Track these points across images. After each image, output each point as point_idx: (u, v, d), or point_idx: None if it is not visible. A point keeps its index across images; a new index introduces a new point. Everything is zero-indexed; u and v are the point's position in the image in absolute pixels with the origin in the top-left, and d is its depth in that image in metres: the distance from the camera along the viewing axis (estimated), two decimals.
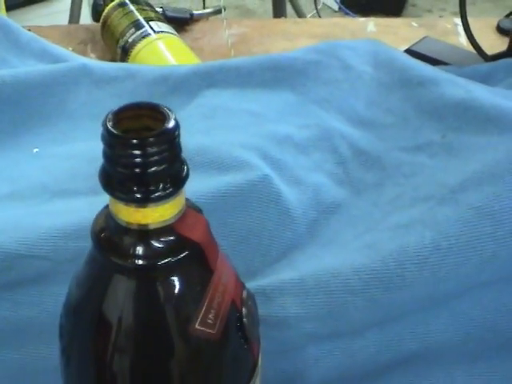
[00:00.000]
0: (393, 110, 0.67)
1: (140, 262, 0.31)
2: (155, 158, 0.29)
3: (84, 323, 0.33)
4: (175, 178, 0.30)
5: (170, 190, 0.30)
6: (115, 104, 0.70)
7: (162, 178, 0.30)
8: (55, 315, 0.54)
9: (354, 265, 0.52)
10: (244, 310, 0.35)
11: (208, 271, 0.33)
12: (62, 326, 0.36)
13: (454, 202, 0.54)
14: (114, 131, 0.29)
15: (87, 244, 0.53)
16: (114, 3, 0.96)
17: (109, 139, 0.29)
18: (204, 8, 1.57)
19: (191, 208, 0.33)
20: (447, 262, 0.51)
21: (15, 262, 0.54)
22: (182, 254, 0.31)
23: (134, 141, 0.29)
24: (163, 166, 0.29)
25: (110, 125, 0.29)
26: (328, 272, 0.53)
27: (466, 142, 0.61)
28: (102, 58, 0.95)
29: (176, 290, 0.32)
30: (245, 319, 0.34)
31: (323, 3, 2.68)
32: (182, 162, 0.31)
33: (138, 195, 0.30)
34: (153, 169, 0.29)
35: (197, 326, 0.32)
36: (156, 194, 0.30)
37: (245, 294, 0.35)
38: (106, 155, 0.30)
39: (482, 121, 0.61)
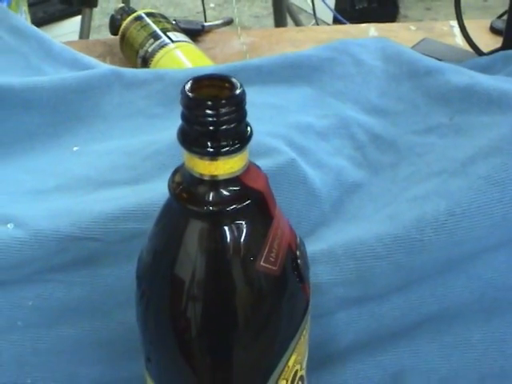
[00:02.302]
0: (403, 98, 0.73)
1: (213, 207, 0.37)
2: (226, 117, 0.35)
3: (163, 266, 0.39)
4: (242, 136, 0.36)
5: (238, 145, 0.36)
6: (146, 105, 0.77)
7: (232, 135, 0.35)
8: (105, 294, 0.60)
9: (378, 233, 0.58)
10: (298, 252, 0.40)
11: (269, 217, 0.38)
12: (140, 275, 0.41)
13: (464, 174, 0.60)
14: (192, 95, 0.35)
15: (135, 225, 0.59)
16: (131, 17, 1.02)
17: (187, 102, 0.35)
18: (205, 20, 1.63)
19: (253, 165, 0.38)
20: (461, 226, 0.56)
21: (70, 244, 0.59)
22: (247, 200, 0.37)
23: (209, 102, 0.34)
24: (232, 125, 0.35)
25: (188, 90, 0.35)
26: (354, 241, 0.58)
27: (472, 122, 0.66)
28: None
29: (243, 232, 0.37)
30: (299, 260, 0.40)
31: (318, 17, 2.74)
32: (247, 124, 0.37)
33: (211, 149, 0.35)
34: (224, 127, 0.35)
35: (262, 263, 0.37)
36: (226, 149, 0.35)
37: (298, 239, 0.41)
38: (184, 116, 0.35)
39: (486, 102, 0.67)
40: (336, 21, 2.69)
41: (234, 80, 0.36)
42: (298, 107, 0.73)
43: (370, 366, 0.58)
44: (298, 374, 0.44)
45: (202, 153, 0.36)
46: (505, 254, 0.59)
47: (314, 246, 0.59)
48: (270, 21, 2.82)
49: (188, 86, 0.35)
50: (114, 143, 0.72)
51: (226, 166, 0.36)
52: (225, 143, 0.35)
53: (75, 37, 1.64)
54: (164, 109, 0.76)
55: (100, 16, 2.51)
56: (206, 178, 0.36)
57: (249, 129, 0.37)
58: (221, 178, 0.36)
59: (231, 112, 0.35)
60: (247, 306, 0.38)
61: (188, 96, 0.35)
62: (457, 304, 0.58)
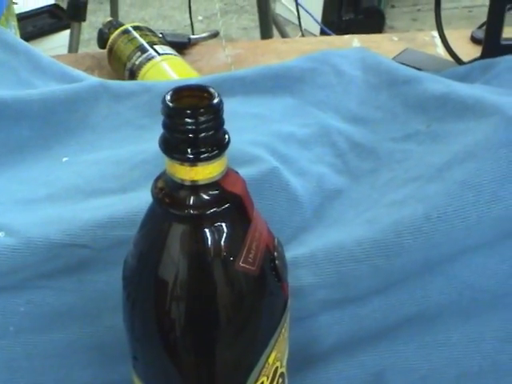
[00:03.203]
0: (382, 107, 0.75)
1: (193, 211, 0.39)
2: (204, 125, 0.37)
3: (148, 267, 0.41)
4: (220, 143, 0.38)
5: (216, 151, 0.38)
6: (134, 116, 0.79)
7: (210, 141, 0.38)
8: (95, 300, 0.61)
9: (357, 237, 0.60)
10: (275, 253, 0.42)
11: (247, 219, 0.40)
12: (126, 276, 0.43)
13: (440, 179, 0.62)
14: (172, 104, 0.37)
15: (123, 232, 0.61)
16: (118, 31, 1.04)
17: (168, 111, 0.37)
18: (193, 33, 1.66)
19: (232, 170, 0.41)
20: (438, 229, 0.58)
21: (61, 251, 0.60)
22: (226, 204, 0.39)
23: (188, 111, 0.37)
24: (211, 132, 0.37)
25: (168, 100, 0.37)
26: (335, 245, 0.60)
27: (448, 129, 0.69)
28: None
29: (223, 234, 0.39)
30: (277, 261, 0.42)
31: (305, 29, 2.77)
32: (225, 132, 0.39)
33: (191, 156, 0.37)
34: (203, 134, 0.37)
35: (240, 264, 0.39)
36: (205, 155, 0.38)
37: (276, 241, 0.43)
38: (165, 125, 0.38)
39: (461, 110, 0.69)
40: (323, 32, 2.73)
41: (211, 90, 0.38)
42: (281, 117, 0.75)
43: (352, 366, 0.59)
44: (279, 371, 0.46)
45: (183, 159, 0.38)
46: (481, 255, 0.61)
47: (295, 251, 0.61)
48: (259, 33, 2.85)
49: (168, 97, 0.38)
50: (103, 153, 0.74)
51: (206, 171, 0.38)
52: (204, 150, 0.38)
53: (65, 50, 1.66)
54: (150, 120, 0.78)
55: (89, 30, 2.53)
56: (187, 183, 0.38)
57: (226, 136, 0.39)
58: (201, 182, 0.38)
59: (209, 120, 0.37)
60: (228, 305, 0.41)
61: (168, 105, 0.37)
62: (436, 305, 0.60)
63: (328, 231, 0.64)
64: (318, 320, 0.60)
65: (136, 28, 1.05)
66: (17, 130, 0.75)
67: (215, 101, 0.37)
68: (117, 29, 1.05)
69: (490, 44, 0.98)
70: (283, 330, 0.44)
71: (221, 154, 0.38)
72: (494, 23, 0.97)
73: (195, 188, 0.39)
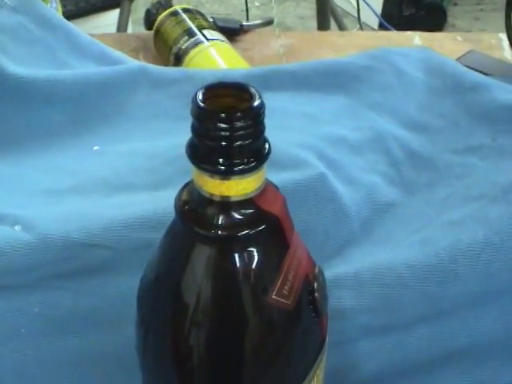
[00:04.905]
0: (444, 115, 0.68)
1: (222, 232, 0.33)
2: (241, 132, 0.31)
3: (165, 291, 0.35)
4: (258, 153, 0.32)
5: (253, 164, 0.32)
6: (173, 106, 0.73)
7: (247, 152, 0.32)
8: (117, 305, 0.56)
9: (408, 259, 0.54)
10: (316, 284, 0.36)
11: (284, 244, 0.34)
12: (140, 297, 0.37)
13: (505, 200, 0.56)
14: (204, 105, 0.31)
15: (150, 235, 0.56)
16: (166, 12, 0.99)
17: (198, 113, 0.31)
18: (247, 19, 1.60)
19: (270, 185, 0.35)
20: (499, 258, 0.53)
21: (80, 251, 0.55)
22: (261, 226, 0.33)
23: (223, 115, 0.31)
24: (248, 141, 0.31)
25: (200, 100, 0.31)
26: (382, 266, 0.54)
27: None
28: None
29: (255, 261, 0.33)
30: (316, 293, 0.36)
31: (363, 22, 2.70)
32: (265, 140, 0.33)
33: (223, 167, 0.32)
34: (238, 143, 0.31)
35: (273, 296, 0.33)
36: (240, 167, 0.32)
37: (316, 269, 0.37)
38: (194, 129, 0.32)
39: None
40: (381, 26, 2.65)
41: (252, 90, 0.32)
42: (332, 117, 0.69)
43: None
44: None
45: (213, 170, 0.32)
46: None
47: (339, 269, 0.55)
48: (315, 23, 2.78)
49: (200, 95, 0.32)
50: (136, 144, 0.69)
51: (239, 187, 0.32)
52: (239, 161, 0.32)
53: (115, 29, 1.61)
54: None
55: (143, 8, 2.48)
56: (216, 199, 0.33)
57: (267, 145, 0.33)
58: (232, 199, 0.33)
59: (247, 126, 0.31)
60: (255, 342, 0.35)
61: (199, 106, 0.31)
62: (489, 339, 0.55)
63: (376, 249, 0.58)
64: (357, 346, 0.54)
65: (185, 10, 0.99)
66: (47, 114, 0.70)
67: (255, 103, 0.31)
68: (165, 9, 1.00)
69: None
70: (318, 371, 0.38)
71: (259, 167, 0.32)
72: None
73: (226, 205, 0.33)
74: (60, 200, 0.62)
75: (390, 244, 0.58)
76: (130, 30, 1.59)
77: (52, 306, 0.56)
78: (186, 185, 0.35)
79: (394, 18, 2.54)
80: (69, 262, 0.56)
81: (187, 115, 0.73)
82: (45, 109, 0.70)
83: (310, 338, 0.37)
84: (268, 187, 0.34)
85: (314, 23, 2.83)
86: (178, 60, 0.92)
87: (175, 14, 0.98)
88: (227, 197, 0.32)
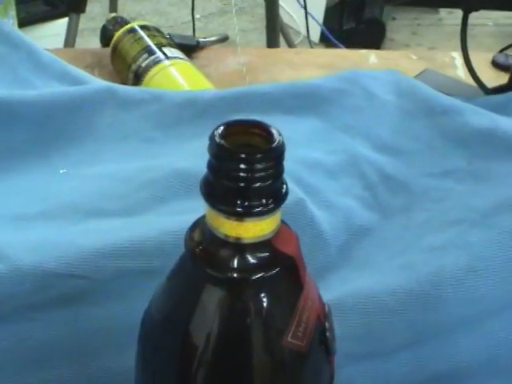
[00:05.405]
0: (418, 137, 0.68)
1: (238, 274, 0.32)
2: (261, 173, 0.30)
3: (173, 332, 0.34)
4: (277, 195, 0.31)
5: (272, 205, 0.31)
6: (141, 127, 0.71)
7: (265, 193, 0.31)
8: (88, 336, 0.55)
9: (391, 285, 0.54)
10: (327, 324, 0.35)
11: (298, 285, 0.33)
12: (145, 334, 0.36)
13: (485, 225, 0.56)
14: (225, 144, 0.30)
15: (125, 263, 0.55)
16: (124, 29, 0.97)
17: (217, 151, 0.30)
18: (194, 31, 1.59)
19: (284, 223, 0.34)
20: (482, 283, 0.53)
21: (54, 281, 0.53)
22: (277, 268, 0.32)
23: (243, 155, 0.30)
24: (268, 182, 0.30)
25: (218, 138, 0.30)
26: (365, 293, 0.54)
27: (493, 169, 0.62)
28: (110, 82, 0.95)
29: (270, 304, 0.32)
30: (327, 333, 0.35)
31: (303, 36, 2.72)
32: (283, 181, 0.32)
33: (241, 209, 0.30)
34: (258, 184, 0.30)
35: (289, 339, 0.32)
36: (258, 209, 0.31)
37: (326, 308, 0.36)
38: (212, 167, 0.31)
39: (509, 148, 0.63)
40: (323, 39, 2.67)
41: (272, 129, 0.31)
42: (305, 141, 0.68)
43: None
44: None
45: (230, 212, 0.31)
46: None
47: None
48: (256, 35, 2.79)
49: (219, 133, 0.30)
50: (105, 167, 0.67)
51: (257, 228, 0.31)
52: (257, 202, 0.30)
53: (59, 39, 1.59)
54: (160, 132, 0.70)
55: (83, 20, 2.45)
56: (231, 240, 0.31)
57: (284, 186, 0.32)
58: (249, 240, 0.31)
59: (268, 168, 0.30)
60: None
61: (218, 144, 0.30)
62: (470, 364, 0.54)
63: (356, 274, 0.58)
64: (340, 373, 0.53)
65: (143, 27, 0.97)
66: (8, 134, 0.68)
67: (276, 144, 0.30)
68: (122, 26, 0.98)
69: None
70: None
71: (277, 209, 0.31)
72: None
73: (242, 246, 0.32)
74: (29, 226, 0.59)
75: (370, 268, 0.58)
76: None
77: (22, 339, 0.54)
78: (196, 224, 0.34)
79: (335, 31, 2.56)
80: (42, 292, 0.54)
81: (156, 137, 0.72)
82: (7, 129, 0.68)
83: (322, 377, 0.36)
84: (282, 226, 0.33)
85: (254, 36, 2.84)
86: (138, 78, 0.90)
87: (133, 30, 0.97)
88: (244, 238, 0.31)
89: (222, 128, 0.31)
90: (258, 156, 0.30)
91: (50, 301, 0.54)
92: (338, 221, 0.61)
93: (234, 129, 0.31)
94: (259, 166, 0.30)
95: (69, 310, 0.55)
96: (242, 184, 0.30)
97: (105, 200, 0.62)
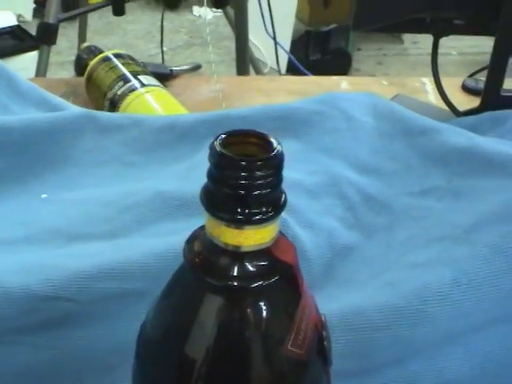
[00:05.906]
0: (397, 158, 0.69)
1: (238, 283, 0.32)
2: (261, 181, 0.30)
3: (172, 342, 0.34)
4: (277, 203, 0.32)
5: (272, 213, 0.31)
6: (122, 151, 0.72)
7: (266, 201, 0.31)
8: (75, 359, 0.54)
9: (377, 302, 0.54)
10: (324, 333, 0.36)
11: (297, 293, 0.34)
12: (141, 346, 0.36)
13: (467, 241, 0.57)
14: (225, 152, 0.30)
15: (112, 285, 0.55)
16: (98, 58, 0.98)
17: (218, 159, 0.30)
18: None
19: (281, 233, 0.34)
20: (467, 297, 0.53)
21: (41, 304, 0.53)
22: (276, 276, 0.32)
23: (244, 162, 0.30)
24: (268, 190, 0.31)
25: (219, 146, 0.31)
26: (351, 310, 0.54)
27: (472, 186, 0.63)
28: None
29: (270, 312, 0.33)
30: (325, 342, 0.36)
31: (270, 67, 2.75)
32: (282, 190, 0.32)
33: (242, 216, 0.31)
34: (258, 192, 0.31)
35: (289, 347, 0.33)
36: (258, 217, 0.31)
37: (323, 318, 0.37)
38: (211, 175, 0.31)
39: (487, 166, 0.64)
40: (290, 69, 2.69)
41: (271, 138, 0.32)
42: (286, 162, 0.68)
43: None
44: None
45: (230, 219, 0.31)
46: (508, 327, 0.56)
47: None
48: (224, 67, 2.81)
49: (219, 142, 0.31)
50: (87, 192, 0.67)
51: (257, 236, 0.31)
52: (257, 210, 0.31)
53: (28, 73, 1.58)
54: (141, 157, 0.71)
55: (50, 54, 2.45)
56: (232, 249, 0.32)
57: (283, 195, 0.32)
58: (249, 248, 0.32)
59: (268, 175, 0.30)
60: None
61: (219, 152, 0.30)
62: (456, 379, 0.54)
63: (340, 291, 0.58)
64: None
65: (117, 56, 0.98)
66: None
67: (276, 152, 0.31)
68: (96, 55, 0.98)
69: (490, 94, 0.93)
70: None
71: (277, 216, 0.32)
72: (495, 73, 0.93)
73: (241, 255, 0.32)
74: (15, 250, 0.59)
75: (354, 286, 0.58)
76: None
77: (7, 363, 0.53)
78: (195, 234, 0.34)
79: (302, 62, 2.59)
80: (28, 315, 0.53)
81: (137, 161, 0.72)
82: None
83: None
84: (280, 235, 0.33)
85: (223, 68, 2.86)
86: (114, 105, 0.91)
87: (107, 59, 0.97)
88: (244, 246, 0.32)
89: (222, 137, 0.31)
90: (259, 163, 0.30)
91: (35, 324, 0.54)
92: (320, 240, 0.62)
93: (234, 138, 0.32)
94: (260, 174, 0.30)
95: (54, 333, 0.54)
96: (242, 191, 0.30)
97: (89, 223, 0.62)
